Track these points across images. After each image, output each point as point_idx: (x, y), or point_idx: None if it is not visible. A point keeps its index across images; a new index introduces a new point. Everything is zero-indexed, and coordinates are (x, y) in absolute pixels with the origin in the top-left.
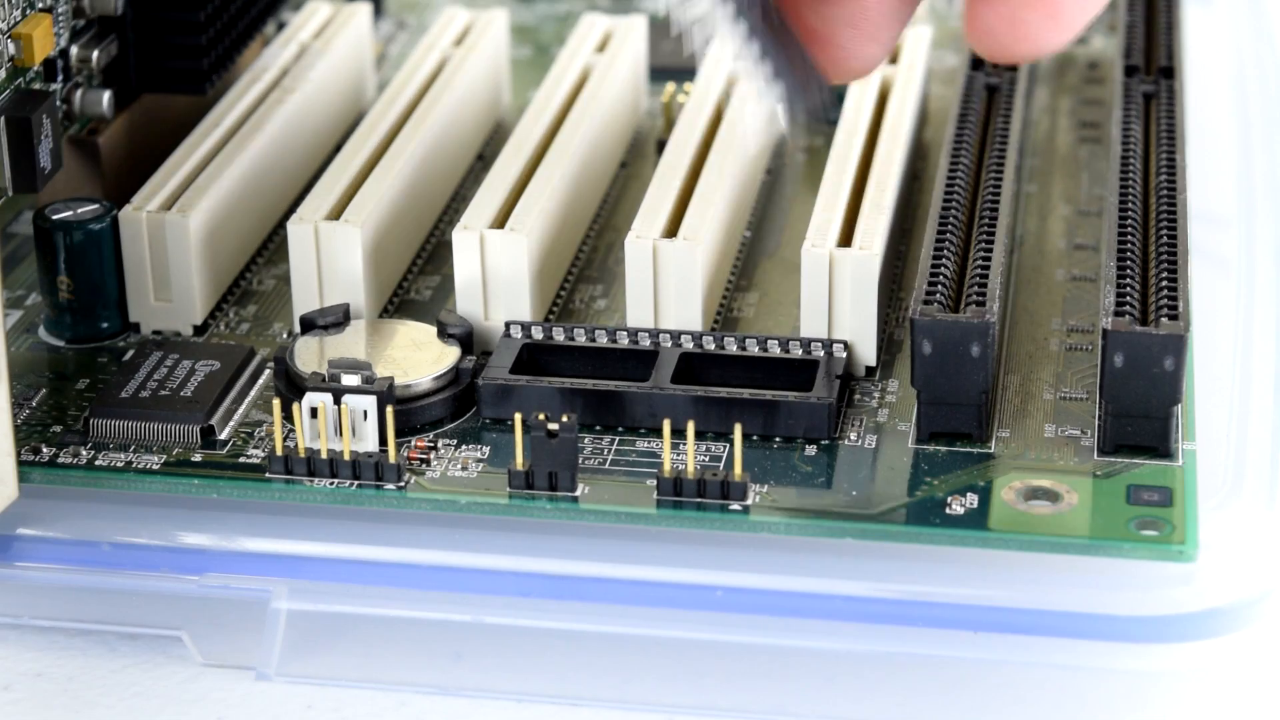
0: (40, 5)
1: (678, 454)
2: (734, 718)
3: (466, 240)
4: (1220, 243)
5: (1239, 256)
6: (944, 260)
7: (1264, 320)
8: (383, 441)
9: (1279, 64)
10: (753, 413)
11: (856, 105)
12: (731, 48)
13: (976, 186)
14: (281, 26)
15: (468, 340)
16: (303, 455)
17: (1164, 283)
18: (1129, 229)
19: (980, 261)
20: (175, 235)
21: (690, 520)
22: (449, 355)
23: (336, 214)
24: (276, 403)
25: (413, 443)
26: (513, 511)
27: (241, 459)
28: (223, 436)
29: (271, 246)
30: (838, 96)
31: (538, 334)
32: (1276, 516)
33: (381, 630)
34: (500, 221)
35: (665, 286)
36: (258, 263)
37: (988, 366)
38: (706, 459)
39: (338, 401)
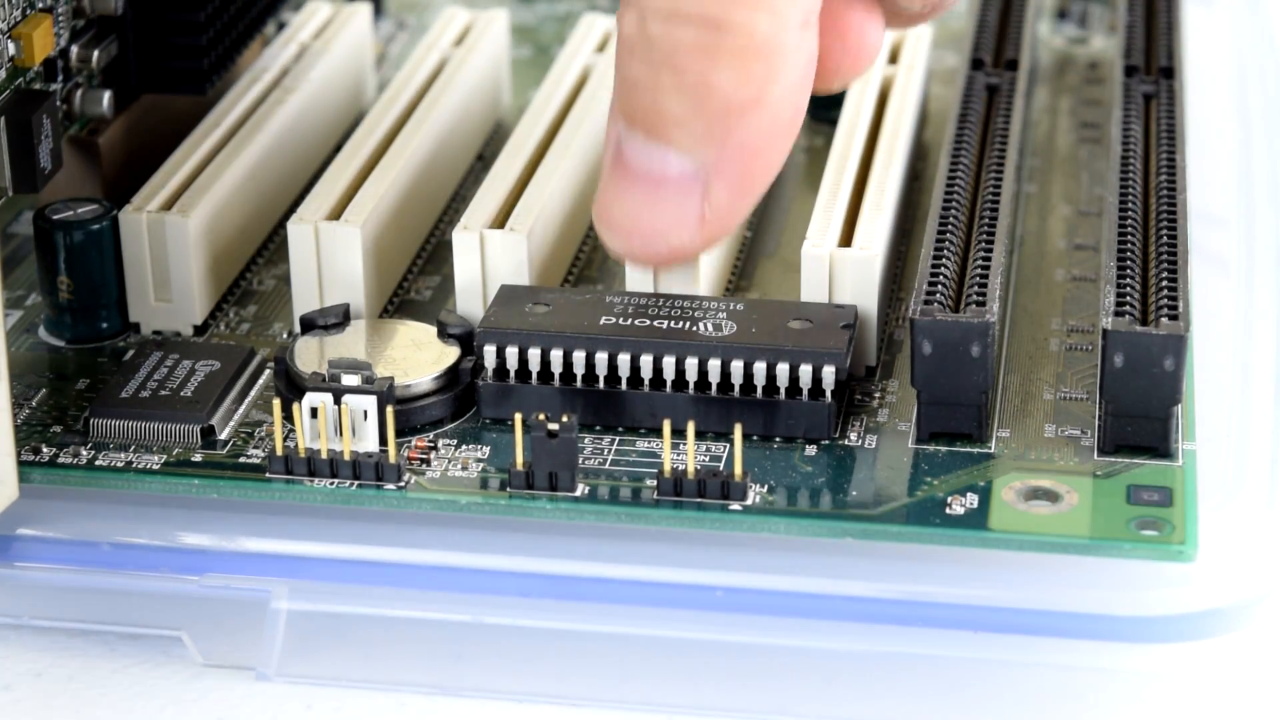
0: (40, 5)
1: (678, 454)
2: (734, 718)
3: (466, 240)
4: (1220, 243)
5: (1239, 256)
6: (944, 260)
7: (1264, 320)
8: (383, 441)
9: (1279, 64)
10: (753, 413)
11: (856, 105)
12: None
13: (977, 186)
14: (282, 27)
15: (468, 340)
16: (303, 455)
17: (1164, 283)
18: (1129, 229)
19: (980, 261)
20: (175, 235)
21: (690, 520)
22: (449, 355)
23: (336, 214)
24: (277, 403)
25: (413, 443)
26: (513, 511)
27: (242, 459)
28: (223, 436)
29: (272, 246)
30: (837, 97)
31: None
32: (1276, 516)
33: (381, 630)
34: (500, 222)
35: (665, 286)
36: (258, 263)
37: (988, 366)
38: (707, 459)
39: (338, 401)
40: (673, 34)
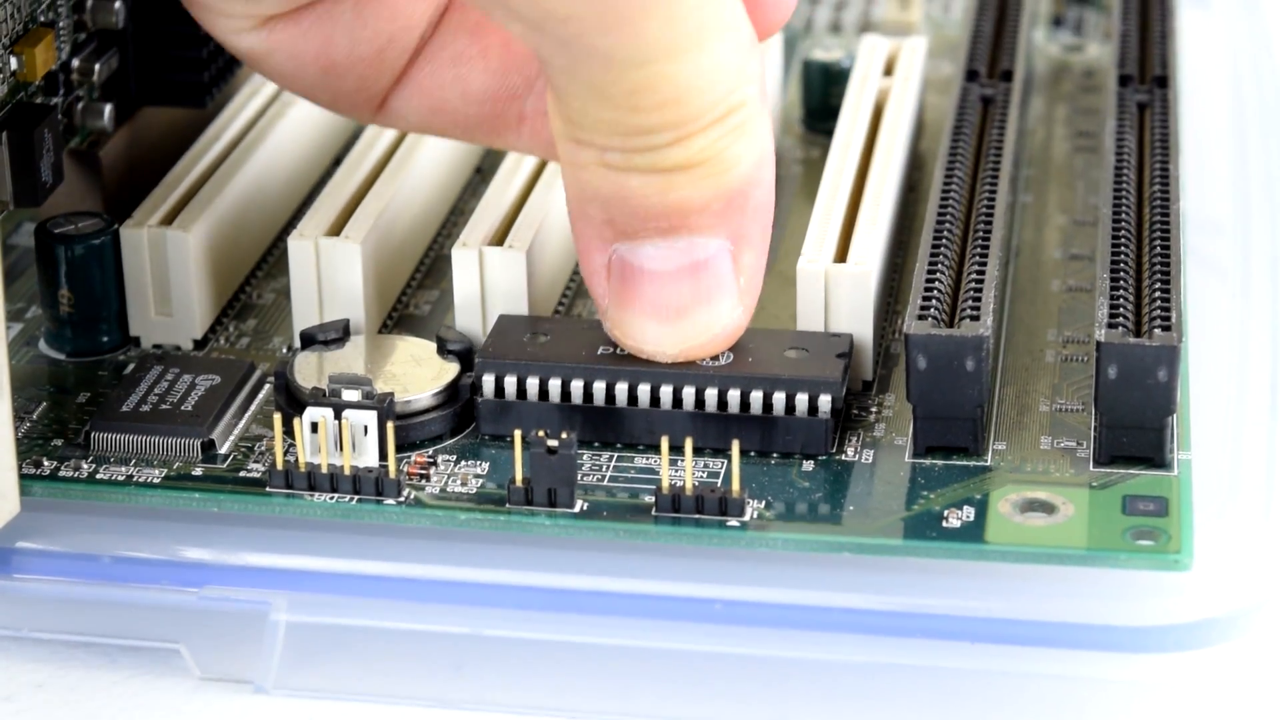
0: (42, 19)
1: (676, 470)
2: None
3: (465, 258)
4: (1216, 251)
5: (1234, 265)
6: (938, 274)
7: (1259, 329)
8: (383, 457)
9: (1275, 70)
10: (750, 429)
11: (852, 116)
12: None
13: (971, 200)
14: None
15: (467, 357)
16: (303, 470)
17: (1157, 293)
18: (1122, 240)
19: (974, 275)
20: (176, 250)
21: (689, 537)
22: (449, 371)
23: (337, 230)
24: (277, 417)
25: (412, 458)
26: (512, 527)
27: (242, 473)
28: (223, 451)
29: (271, 260)
30: (832, 109)
31: None
32: (1272, 525)
33: (380, 644)
34: (499, 239)
35: None
36: (257, 276)
37: (982, 380)
38: (704, 475)
39: (338, 416)
40: (687, 148)
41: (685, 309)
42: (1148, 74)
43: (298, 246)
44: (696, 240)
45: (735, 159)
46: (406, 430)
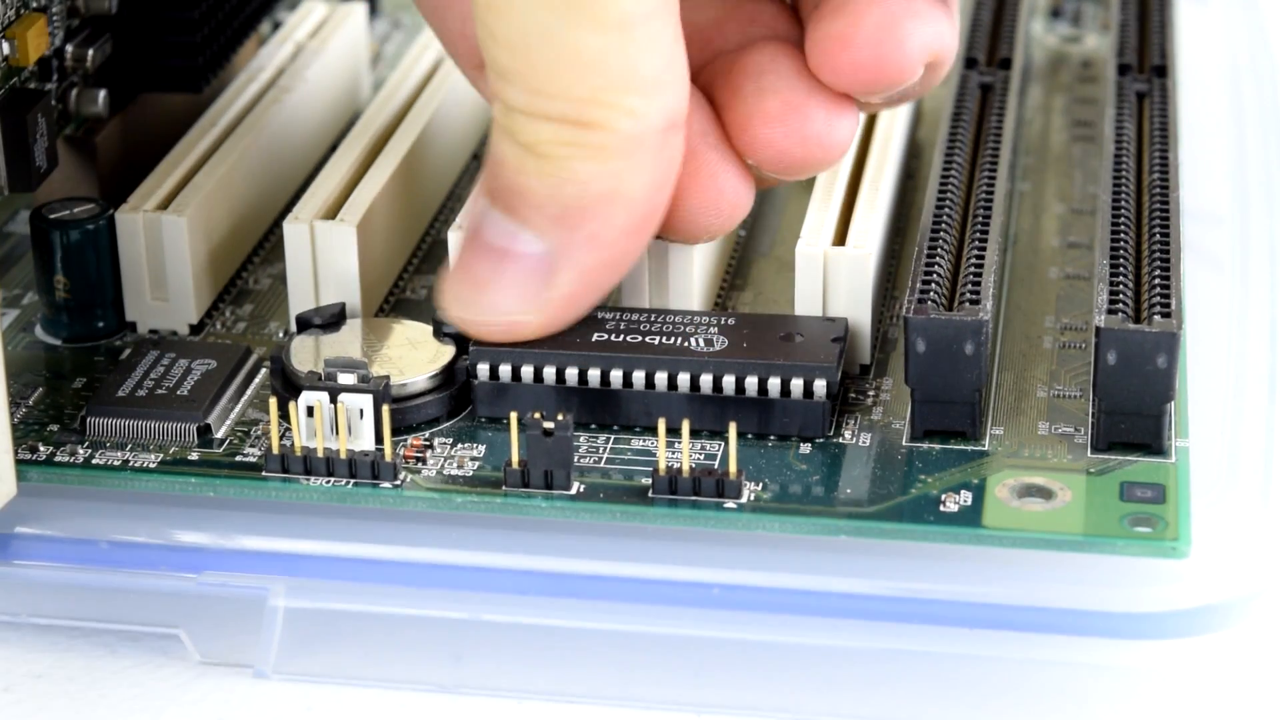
0: (34, 5)
1: (673, 452)
2: (730, 714)
3: (461, 240)
4: (1214, 240)
5: (1232, 253)
6: (938, 259)
7: (1257, 318)
8: (379, 440)
9: (1273, 61)
10: (748, 411)
11: None
12: None
13: (970, 185)
14: (277, 26)
15: (463, 339)
16: (299, 454)
17: (1157, 280)
18: (1122, 227)
19: (974, 260)
20: (171, 235)
21: (685, 519)
22: (445, 354)
23: (332, 213)
24: (273, 401)
25: (408, 441)
26: (508, 510)
27: (238, 458)
28: (219, 435)
29: (267, 245)
30: None
31: None
32: (1269, 512)
33: (378, 628)
34: None
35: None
36: (254, 261)
37: (981, 364)
38: (702, 457)
39: (334, 400)
40: (536, 128)
41: (483, 286)
42: (1146, 63)
43: (293, 230)
44: (523, 233)
45: (577, 175)
46: (403, 413)
